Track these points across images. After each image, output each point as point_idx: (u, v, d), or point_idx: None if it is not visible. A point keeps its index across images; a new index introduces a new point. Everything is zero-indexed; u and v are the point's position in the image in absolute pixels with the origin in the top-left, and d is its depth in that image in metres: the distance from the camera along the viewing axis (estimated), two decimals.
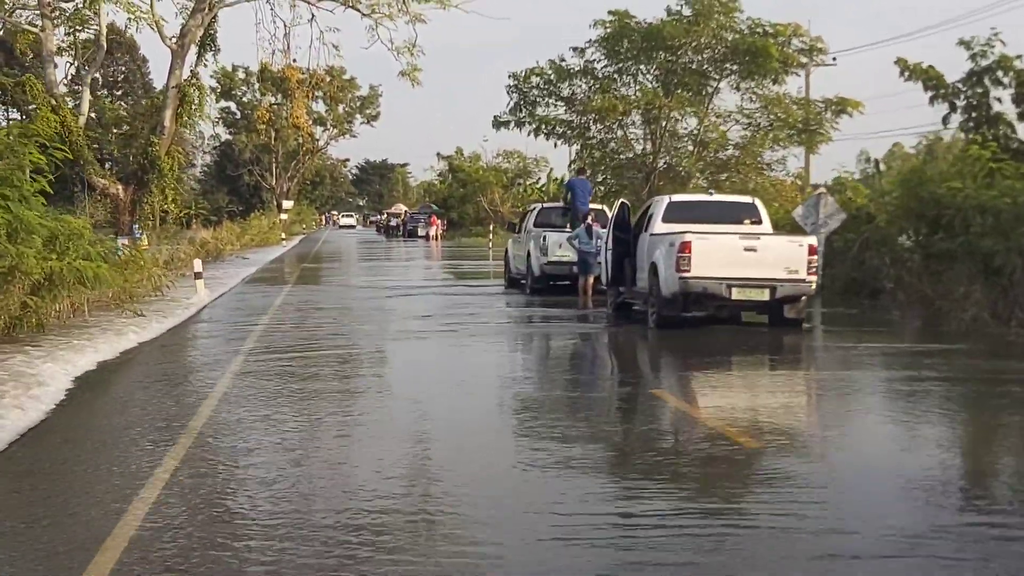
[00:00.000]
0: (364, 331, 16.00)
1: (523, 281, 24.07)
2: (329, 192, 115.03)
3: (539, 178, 72.57)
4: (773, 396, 10.68)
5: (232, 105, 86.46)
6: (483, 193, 70.92)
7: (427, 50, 32.97)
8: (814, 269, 14.91)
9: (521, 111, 35.62)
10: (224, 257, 39.55)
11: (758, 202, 17.00)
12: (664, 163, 35.88)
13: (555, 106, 35.99)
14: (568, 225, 22.67)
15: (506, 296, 23.09)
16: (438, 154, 77.53)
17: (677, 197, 17.21)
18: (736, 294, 14.73)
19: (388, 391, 10.69)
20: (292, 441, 8.03)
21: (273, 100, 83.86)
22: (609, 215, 23.42)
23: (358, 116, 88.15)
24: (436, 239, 67.04)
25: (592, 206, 23.00)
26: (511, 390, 10.87)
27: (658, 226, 16.18)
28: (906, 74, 20.35)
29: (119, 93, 77.42)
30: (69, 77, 32.64)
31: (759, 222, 16.45)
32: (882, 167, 49.56)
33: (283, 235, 61.38)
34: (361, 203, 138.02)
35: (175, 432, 8.28)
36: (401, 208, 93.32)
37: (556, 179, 69.20)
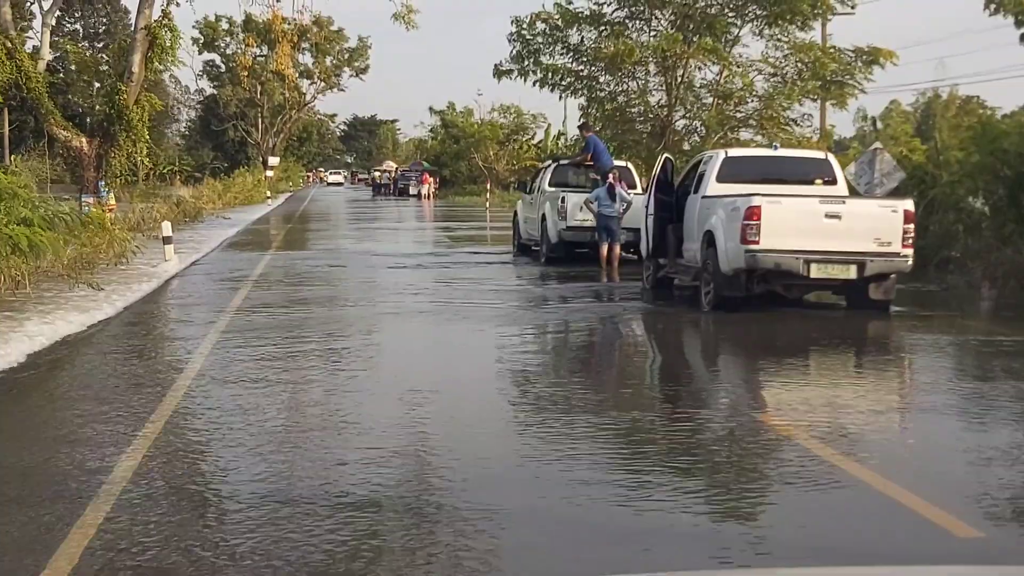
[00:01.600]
0: (351, 316, 13.17)
1: (535, 248, 21.35)
2: (316, 149, 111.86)
3: (534, 134, 69.46)
4: (931, 428, 7.66)
5: (216, 58, 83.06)
6: (477, 150, 67.80)
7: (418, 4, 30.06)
8: (910, 240, 12.16)
9: (524, 60, 32.60)
10: (203, 217, 36.58)
11: (831, 157, 14.23)
12: (680, 117, 33.03)
13: (561, 55, 33.01)
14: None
15: (516, 267, 20.32)
16: (430, 108, 74.06)
17: (734, 151, 14.35)
18: (815, 271, 11.98)
19: (376, 423, 7.84)
20: (255, 509, 5.30)
21: (258, 52, 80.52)
22: (633, 174, 20.74)
23: (346, 69, 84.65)
24: (428, 198, 64.17)
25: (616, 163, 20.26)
26: (536, 418, 7.61)
27: (712, 186, 13.41)
28: (992, 7, 17.51)
29: (100, 45, 74.51)
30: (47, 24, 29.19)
31: (833, 182, 13.70)
32: (879, 125, 47.08)
33: (268, 193, 58.28)
34: (349, 160, 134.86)
35: (82, 498, 5.55)
36: (391, 165, 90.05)
37: (557, 134, 66.23)
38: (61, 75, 62.51)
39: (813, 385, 9.32)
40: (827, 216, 12.02)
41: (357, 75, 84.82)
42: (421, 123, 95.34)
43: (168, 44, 27.05)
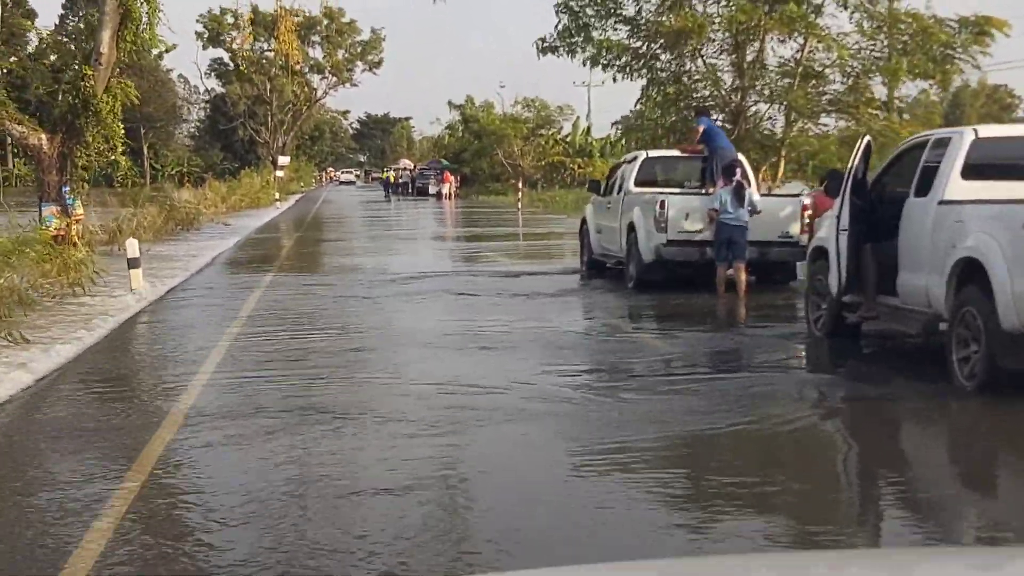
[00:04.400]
0: (352, 403, 7.86)
1: (610, 266, 16.39)
2: (329, 147, 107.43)
3: (561, 127, 64.52)
4: None
5: (225, 55, 78.09)
6: (500, 145, 62.78)
7: None
8: None
9: (573, 35, 27.57)
10: (200, 225, 31.63)
11: None
12: (754, 102, 27.96)
13: (615, 29, 27.98)
14: (706, 186, 14.71)
15: (587, 295, 15.22)
16: (449, 102, 68.99)
17: (986, 130, 9.13)
18: None
19: None
20: None
21: (265, 46, 75.85)
22: (747, 168, 15.73)
23: (359, 63, 79.69)
24: (450, 198, 59.17)
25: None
26: None
27: (955, 185, 8.40)
28: None
29: None
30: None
31: None
32: (906, 116, 42.19)
33: (277, 195, 53.17)
34: (362, 159, 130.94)
35: None
36: (407, 163, 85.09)
37: (585, 129, 61.57)
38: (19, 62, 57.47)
39: None
40: None
41: (370, 69, 79.94)
42: (437, 119, 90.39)
43: (145, 21, 21.97)
